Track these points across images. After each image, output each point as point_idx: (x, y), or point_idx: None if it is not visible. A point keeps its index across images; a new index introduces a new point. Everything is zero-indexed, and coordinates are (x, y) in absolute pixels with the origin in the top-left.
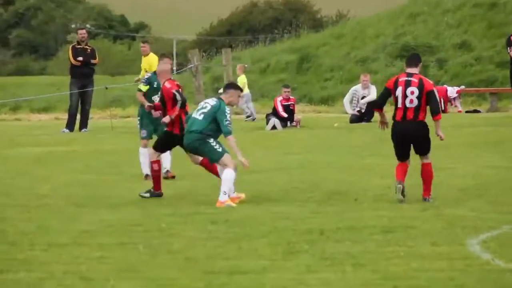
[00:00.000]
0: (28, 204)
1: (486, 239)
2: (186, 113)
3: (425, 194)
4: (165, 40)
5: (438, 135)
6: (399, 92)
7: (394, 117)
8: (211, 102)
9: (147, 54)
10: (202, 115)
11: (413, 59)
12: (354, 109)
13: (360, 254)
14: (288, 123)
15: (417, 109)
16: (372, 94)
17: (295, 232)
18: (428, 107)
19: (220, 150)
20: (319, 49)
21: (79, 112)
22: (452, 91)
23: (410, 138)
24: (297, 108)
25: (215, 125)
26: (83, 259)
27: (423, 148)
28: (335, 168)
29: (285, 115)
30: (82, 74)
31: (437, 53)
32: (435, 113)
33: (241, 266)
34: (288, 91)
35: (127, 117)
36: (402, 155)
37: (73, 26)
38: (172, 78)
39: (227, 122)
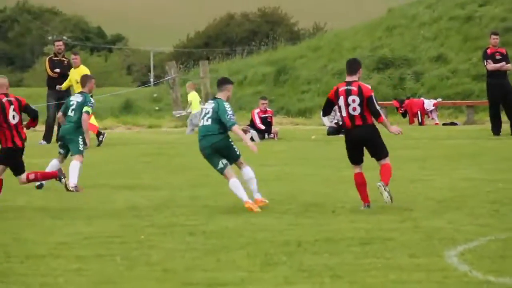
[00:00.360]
0: (4, 216)
1: (464, 251)
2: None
3: (383, 180)
4: (142, 52)
5: (392, 132)
6: (341, 102)
7: (344, 125)
8: (210, 105)
9: (78, 66)
10: (209, 120)
11: (352, 67)
12: (332, 121)
13: (337, 266)
14: (266, 135)
15: (362, 114)
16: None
17: (273, 244)
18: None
19: (238, 152)
20: (296, 61)
21: (56, 124)
22: (429, 103)
23: (364, 141)
24: (275, 120)
25: (222, 124)
26: (61, 271)
27: (379, 150)
28: (313, 180)
29: (263, 127)
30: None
31: (413, 65)
32: (377, 116)
33: (219, 278)
34: (266, 103)
35: (103, 129)
36: (356, 159)
37: (49, 38)
38: (6, 93)
39: (229, 115)
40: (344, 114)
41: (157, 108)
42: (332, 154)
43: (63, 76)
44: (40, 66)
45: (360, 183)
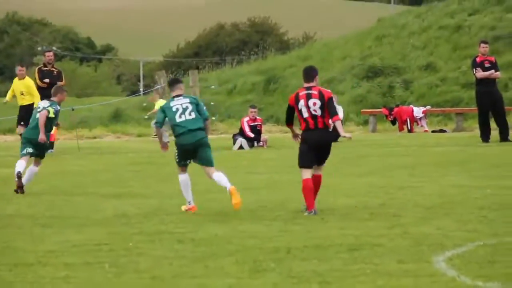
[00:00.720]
0: None
1: (452, 256)
2: None
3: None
4: (132, 62)
5: (344, 136)
6: (301, 105)
7: (305, 127)
8: (186, 100)
9: (23, 78)
10: (193, 113)
11: (309, 74)
12: None
13: (326, 272)
14: (255, 143)
15: (323, 117)
16: (339, 114)
17: (262, 251)
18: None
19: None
20: (286, 71)
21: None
22: (418, 111)
23: (322, 144)
24: (264, 128)
25: (201, 120)
26: (49, 279)
27: (327, 156)
28: (301, 188)
29: (252, 135)
30: (49, 96)
31: (403, 74)
32: (333, 115)
33: (208, 285)
34: (255, 112)
35: (93, 138)
36: (310, 162)
37: (39, 48)
38: None
39: (205, 107)
40: (306, 115)
41: (146, 117)
42: None
43: (53, 86)
44: (29, 77)
45: (310, 188)
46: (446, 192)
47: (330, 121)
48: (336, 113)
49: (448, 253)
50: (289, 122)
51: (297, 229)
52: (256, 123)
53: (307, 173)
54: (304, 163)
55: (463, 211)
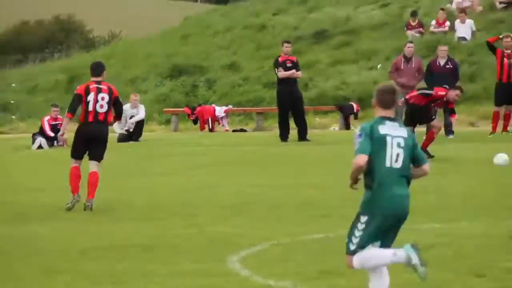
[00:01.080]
0: None
1: (246, 255)
2: None
3: (91, 196)
4: None
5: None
6: (91, 97)
7: (85, 119)
8: None
9: None
10: None
11: (97, 70)
12: (123, 128)
13: (120, 273)
14: (55, 143)
15: (107, 112)
16: (141, 113)
17: (56, 252)
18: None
19: None
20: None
21: None
22: (220, 110)
23: (98, 138)
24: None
25: None
26: None
27: (101, 150)
28: (101, 186)
29: (52, 134)
30: None
31: (206, 73)
32: (120, 116)
33: None
34: (57, 111)
35: None
36: (81, 155)
37: None
38: None
39: None
40: (90, 109)
41: None
42: (122, 161)
43: None
44: None
45: (77, 176)
46: (244, 191)
47: (115, 123)
48: (121, 116)
49: (243, 252)
50: (73, 111)
51: (92, 229)
52: (57, 122)
53: (76, 163)
54: (75, 154)
55: (260, 210)
